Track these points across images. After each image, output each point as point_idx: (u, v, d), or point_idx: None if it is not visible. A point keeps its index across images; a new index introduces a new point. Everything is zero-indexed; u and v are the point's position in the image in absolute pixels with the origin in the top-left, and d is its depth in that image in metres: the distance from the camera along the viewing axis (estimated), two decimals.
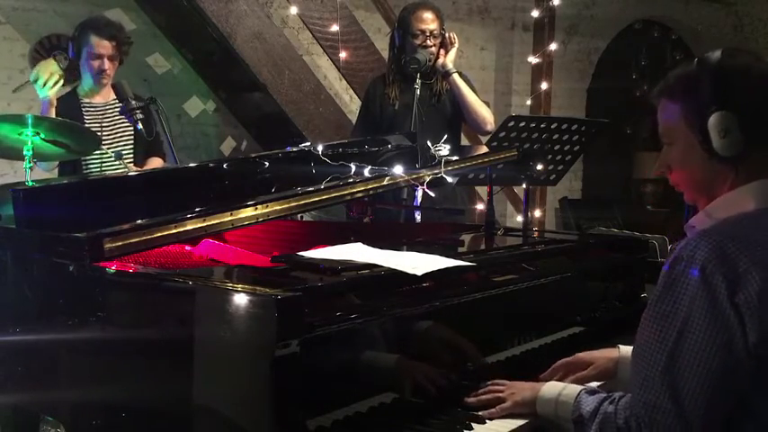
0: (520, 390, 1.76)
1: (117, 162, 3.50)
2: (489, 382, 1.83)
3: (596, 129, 3.65)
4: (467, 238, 2.75)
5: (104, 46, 3.53)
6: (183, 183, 2.30)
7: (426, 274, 1.81)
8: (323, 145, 2.52)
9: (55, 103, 3.44)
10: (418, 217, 3.07)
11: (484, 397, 1.78)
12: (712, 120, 1.46)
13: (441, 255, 1.98)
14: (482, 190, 4.22)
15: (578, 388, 1.65)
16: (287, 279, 1.78)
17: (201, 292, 1.57)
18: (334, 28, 4.94)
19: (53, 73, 3.39)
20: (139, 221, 1.83)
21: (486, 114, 3.77)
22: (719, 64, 1.48)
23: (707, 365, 1.35)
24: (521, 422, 1.73)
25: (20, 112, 4.33)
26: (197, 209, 1.94)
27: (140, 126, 3.30)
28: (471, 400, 1.78)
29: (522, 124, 3.33)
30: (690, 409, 1.35)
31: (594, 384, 1.85)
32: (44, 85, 3.37)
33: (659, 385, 1.38)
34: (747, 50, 1.54)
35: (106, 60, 3.54)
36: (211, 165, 2.51)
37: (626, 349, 1.93)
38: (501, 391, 1.77)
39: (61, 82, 3.42)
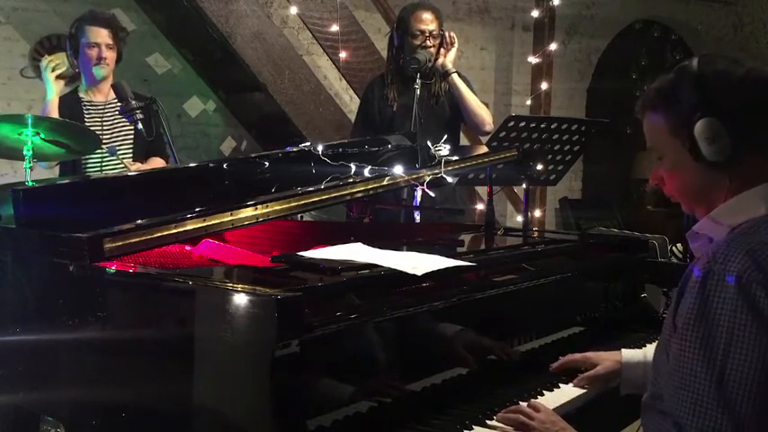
0: (549, 429, 1.67)
1: (117, 161, 3.51)
2: (525, 405, 1.77)
3: (596, 129, 3.66)
4: (467, 238, 2.75)
5: (100, 34, 3.54)
6: (183, 183, 2.30)
7: (426, 274, 1.81)
8: (323, 145, 2.51)
9: (57, 97, 3.45)
10: (417, 217, 3.07)
11: (512, 415, 1.72)
12: (698, 127, 1.45)
13: (441, 255, 1.98)
14: (482, 190, 4.22)
15: None
16: (287, 279, 1.78)
17: (201, 292, 1.57)
18: (334, 28, 4.94)
19: (63, 61, 3.42)
20: (139, 221, 1.83)
21: (485, 115, 3.77)
22: (699, 71, 1.48)
23: (760, 376, 1.30)
24: None
25: (20, 112, 4.34)
26: (197, 209, 1.94)
27: (140, 126, 3.30)
28: (500, 415, 1.73)
29: (522, 124, 3.33)
30: (748, 426, 1.30)
31: None
32: (46, 66, 3.39)
33: (714, 408, 1.32)
34: (724, 55, 1.53)
35: (104, 48, 3.54)
36: (211, 165, 2.51)
37: (628, 353, 2.02)
38: (530, 417, 1.70)
39: (64, 68, 3.44)
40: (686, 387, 1.36)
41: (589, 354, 2.05)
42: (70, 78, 3.60)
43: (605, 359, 2.02)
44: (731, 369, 1.32)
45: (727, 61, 1.50)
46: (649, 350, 2.01)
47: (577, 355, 2.05)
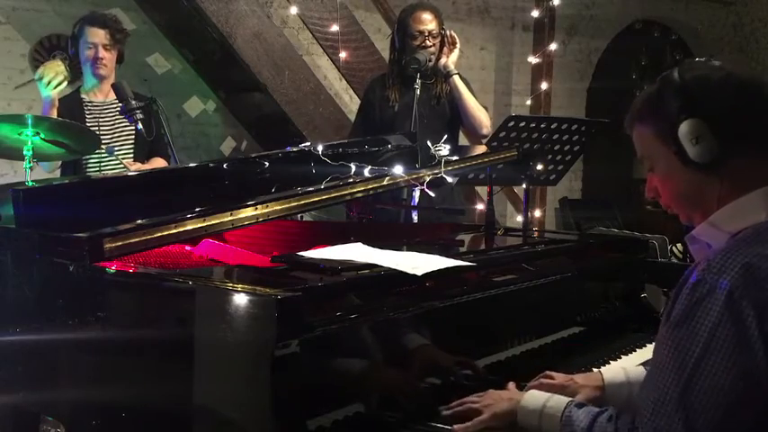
0: (497, 400, 1.67)
1: (116, 161, 3.51)
2: (468, 398, 1.72)
3: (596, 129, 3.66)
4: (467, 238, 2.75)
5: (97, 34, 3.56)
6: (183, 183, 2.30)
7: (426, 274, 1.81)
8: (323, 145, 2.52)
9: (57, 103, 3.45)
10: (415, 217, 3.07)
11: (459, 409, 1.69)
12: (682, 128, 1.46)
13: (441, 255, 1.98)
14: (482, 190, 4.22)
15: (564, 400, 1.59)
16: (287, 279, 1.78)
17: (201, 292, 1.57)
18: (334, 28, 4.94)
19: (58, 73, 3.41)
20: (139, 221, 1.83)
21: (483, 118, 3.76)
22: (680, 77, 1.50)
23: (725, 394, 1.30)
24: None
25: (20, 112, 4.34)
26: (197, 209, 1.94)
27: (140, 126, 3.30)
28: (447, 413, 1.70)
29: (522, 124, 3.33)
30: None
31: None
32: (48, 84, 3.38)
33: (673, 411, 1.32)
34: (704, 61, 1.55)
35: (101, 48, 3.56)
36: (211, 165, 2.51)
37: (609, 375, 1.86)
38: (476, 403, 1.68)
39: (65, 83, 3.43)
40: (653, 387, 1.37)
41: (566, 381, 1.83)
42: (71, 79, 3.58)
43: (583, 386, 1.82)
44: (699, 379, 1.32)
45: (707, 66, 1.52)
46: (631, 370, 1.94)
47: (551, 380, 1.84)
